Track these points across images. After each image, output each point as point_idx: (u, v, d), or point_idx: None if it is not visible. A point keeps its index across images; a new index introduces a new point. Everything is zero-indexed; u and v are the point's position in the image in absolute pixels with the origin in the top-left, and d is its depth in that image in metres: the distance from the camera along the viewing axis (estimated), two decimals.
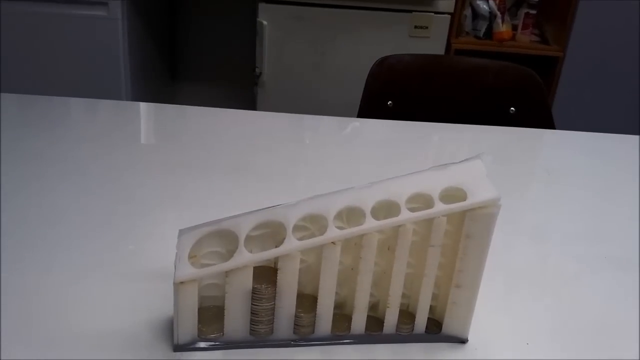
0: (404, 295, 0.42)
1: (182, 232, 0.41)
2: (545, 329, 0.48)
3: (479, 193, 0.39)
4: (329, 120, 0.91)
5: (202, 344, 0.41)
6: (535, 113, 1.15)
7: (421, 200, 0.40)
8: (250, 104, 2.03)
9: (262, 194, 0.66)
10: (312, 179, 0.72)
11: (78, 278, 0.48)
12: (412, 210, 0.40)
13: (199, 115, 0.89)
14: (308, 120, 0.92)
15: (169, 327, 0.43)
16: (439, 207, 0.39)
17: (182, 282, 0.38)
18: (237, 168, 0.72)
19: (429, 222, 0.40)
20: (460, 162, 0.42)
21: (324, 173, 0.73)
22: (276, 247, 0.40)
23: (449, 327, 0.43)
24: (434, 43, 1.85)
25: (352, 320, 0.42)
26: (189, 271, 0.38)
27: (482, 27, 2.08)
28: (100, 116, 0.87)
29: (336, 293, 0.41)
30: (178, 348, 0.40)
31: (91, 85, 1.79)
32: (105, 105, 0.90)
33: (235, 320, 0.40)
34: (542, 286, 0.54)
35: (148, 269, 0.50)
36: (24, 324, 0.43)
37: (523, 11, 2.10)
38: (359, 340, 0.42)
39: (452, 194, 0.40)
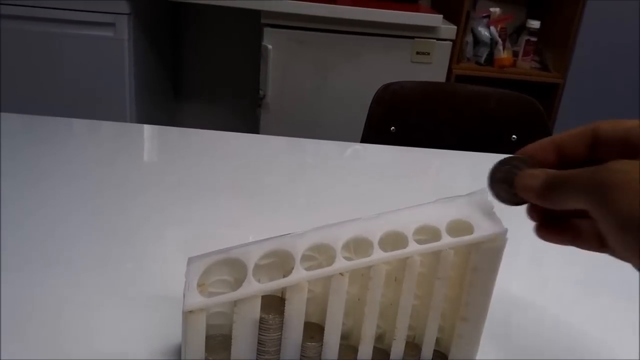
0: (410, 327, 0.42)
1: (191, 260, 0.41)
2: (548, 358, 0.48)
3: (486, 227, 0.40)
4: (331, 145, 0.92)
5: None
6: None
7: (428, 232, 0.41)
8: (253, 125, 2.04)
9: (263, 216, 0.67)
10: (313, 202, 0.73)
11: (81, 301, 0.49)
12: (419, 242, 0.40)
13: (202, 137, 0.90)
14: (310, 144, 0.93)
15: (175, 354, 0.43)
16: (446, 240, 0.40)
17: (191, 311, 0.38)
18: (239, 190, 0.72)
19: (436, 254, 0.40)
20: (466, 194, 0.42)
21: (326, 197, 0.74)
22: (284, 276, 0.40)
23: (455, 359, 0.43)
24: (435, 69, 1.87)
25: (359, 351, 0.42)
26: (198, 300, 0.38)
27: (483, 53, 2.11)
28: (103, 138, 0.87)
29: (343, 323, 0.41)
30: None
31: (96, 104, 1.81)
32: (109, 127, 0.91)
33: (242, 349, 0.40)
34: (543, 313, 0.54)
35: (152, 293, 0.50)
36: (27, 350, 0.43)
37: (524, 38, 2.14)
38: None
39: (459, 227, 0.41)
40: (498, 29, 2.11)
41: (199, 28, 2.32)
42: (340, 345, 0.42)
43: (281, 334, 0.40)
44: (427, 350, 0.43)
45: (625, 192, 0.29)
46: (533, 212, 0.38)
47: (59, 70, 1.77)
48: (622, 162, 0.30)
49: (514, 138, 1.17)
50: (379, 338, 0.44)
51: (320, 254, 0.41)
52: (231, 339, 0.40)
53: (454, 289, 0.42)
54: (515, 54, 2.16)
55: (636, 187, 0.29)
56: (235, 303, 0.39)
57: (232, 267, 0.41)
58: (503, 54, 2.11)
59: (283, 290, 0.40)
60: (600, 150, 0.35)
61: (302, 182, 0.79)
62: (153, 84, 2.06)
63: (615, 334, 0.52)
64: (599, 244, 0.36)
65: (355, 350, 0.42)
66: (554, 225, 0.37)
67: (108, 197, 0.67)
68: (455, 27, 1.87)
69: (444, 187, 0.84)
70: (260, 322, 0.40)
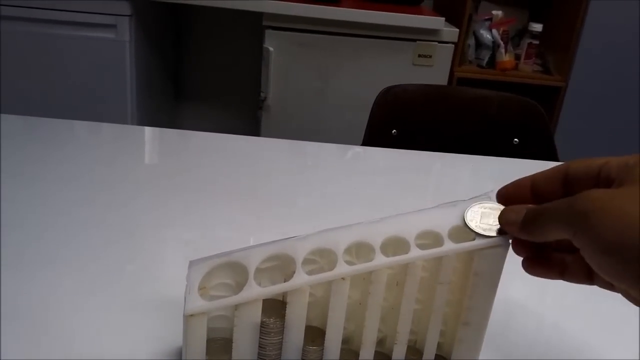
0: (411, 332, 0.42)
1: (192, 264, 0.41)
2: None
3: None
4: (332, 147, 0.92)
5: None
6: (539, 144, 1.16)
7: (430, 237, 0.41)
8: (254, 128, 2.04)
9: (264, 219, 0.67)
10: (314, 205, 0.73)
11: (80, 304, 0.49)
12: (421, 247, 0.40)
13: (203, 139, 0.90)
14: (311, 146, 0.93)
15: (175, 357, 0.43)
16: (448, 245, 0.40)
17: (192, 315, 0.38)
18: (240, 192, 0.72)
19: (438, 259, 0.40)
20: (469, 199, 0.42)
21: (327, 200, 0.74)
22: (285, 280, 0.40)
23: None
24: (437, 71, 1.87)
25: (360, 355, 0.42)
26: (199, 304, 0.38)
27: (485, 56, 2.11)
28: (103, 139, 0.87)
29: (344, 328, 0.41)
30: None
31: (98, 105, 1.81)
32: (109, 129, 0.91)
33: (243, 353, 0.40)
34: (544, 318, 0.54)
35: (153, 296, 0.50)
36: (27, 351, 0.43)
37: (526, 41, 2.13)
38: None
39: (461, 232, 0.41)
40: (500, 32, 2.11)
41: (201, 30, 2.32)
42: (341, 349, 0.42)
43: (282, 338, 0.40)
44: (429, 355, 0.43)
45: (604, 218, 0.30)
46: (519, 248, 0.39)
47: (60, 72, 1.77)
48: (597, 190, 0.32)
49: (515, 141, 1.17)
50: (380, 342, 0.43)
51: (322, 258, 0.41)
52: (232, 342, 0.40)
53: (455, 293, 0.42)
54: (517, 57, 2.16)
55: (613, 212, 0.30)
56: (236, 307, 0.39)
57: (233, 271, 0.41)
58: (505, 57, 2.11)
59: (284, 294, 0.40)
60: (572, 188, 0.36)
61: (303, 185, 0.79)
62: (154, 86, 2.07)
63: (616, 339, 0.52)
64: (586, 276, 0.37)
65: (356, 354, 0.42)
66: (542, 261, 0.39)
67: (109, 199, 0.67)
68: (457, 30, 1.87)
69: (446, 191, 0.83)
70: (261, 326, 0.40)
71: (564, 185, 0.37)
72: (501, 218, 0.39)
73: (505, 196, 0.40)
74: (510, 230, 0.38)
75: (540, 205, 0.36)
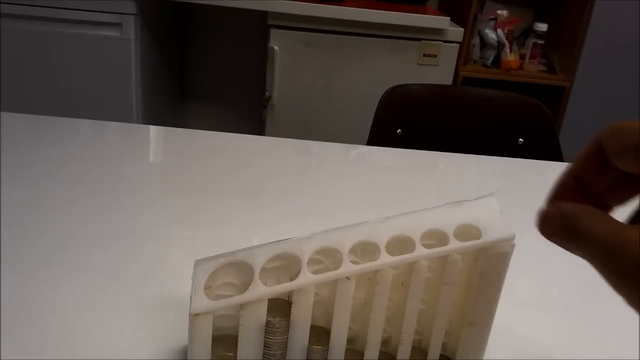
0: (416, 332, 0.42)
1: (198, 263, 0.41)
2: None
3: (494, 231, 0.40)
4: (337, 147, 0.92)
5: None
6: (543, 144, 1.16)
7: (436, 237, 0.41)
8: (259, 127, 2.04)
9: (268, 218, 0.67)
10: (319, 204, 0.73)
11: (85, 303, 0.49)
12: (426, 246, 0.40)
13: (208, 138, 0.90)
14: (316, 146, 0.93)
15: (181, 356, 0.43)
16: (454, 244, 0.39)
17: (197, 314, 0.38)
18: (245, 192, 0.72)
19: (444, 259, 0.40)
20: (474, 199, 0.42)
21: (332, 199, 0.74)
22: (290, 280, 0.40)
23: None
24: (442, 71, 1.86)
25: (364, 355, 0.42)
26: (204, 303, 0.38)
27: (490, 56, 2.11)
28: (108, 138, 0.87)
29: (349, 327, 0.41)
30: None
31: (103, 103, 1.81)
32: (114, 127, 0.91)
33: (248, 352, 0.40)
34: (549, 318, 0.54)
35: (159, 295, 0.50)
36: (31, 351, 0.43)
37: (531, 41, 2.13)
38: None
39: (467, 231, 0.41)
40: (505, 31, 2.10)
41: (206, 29, 2.32)
42: (346, 349, 0.42)
43: (287, 337, 0.40)
44: (433, 355, 0.43)
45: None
46: None
47: (65, 70, 1.78)
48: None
49: (520, 141, 1.17)
50: (385, 342, 0.43)
51: (327, 257, 0.41)
52: (237, 341, 0.40)
53: (460, 293, 0.42)
54: (522, 57, 2.16)
55: None
56: (241, 306, 0.39)
57: (238, 270, 0.41)
58: (510, 57, 2.11)
59: (289, 294, 0.40)
60: (612, 163, 0.30)
61: (308, 184, 0.79)
62: (159, 85, 2.07)
63: (619, 339, 0.52)
64: None
65: (361, 354, 0.42)
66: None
67: (113, 198, 0.67)
68: (462, 29, 1.86)
69: (450, 190, 0.83)
70: (266, 325, 0.40)
71: (603, 164, 0.30)
72: (538, 227, 0.33)
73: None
74: (552, 242, 0.32)
75: (581, 222, 0.29)
